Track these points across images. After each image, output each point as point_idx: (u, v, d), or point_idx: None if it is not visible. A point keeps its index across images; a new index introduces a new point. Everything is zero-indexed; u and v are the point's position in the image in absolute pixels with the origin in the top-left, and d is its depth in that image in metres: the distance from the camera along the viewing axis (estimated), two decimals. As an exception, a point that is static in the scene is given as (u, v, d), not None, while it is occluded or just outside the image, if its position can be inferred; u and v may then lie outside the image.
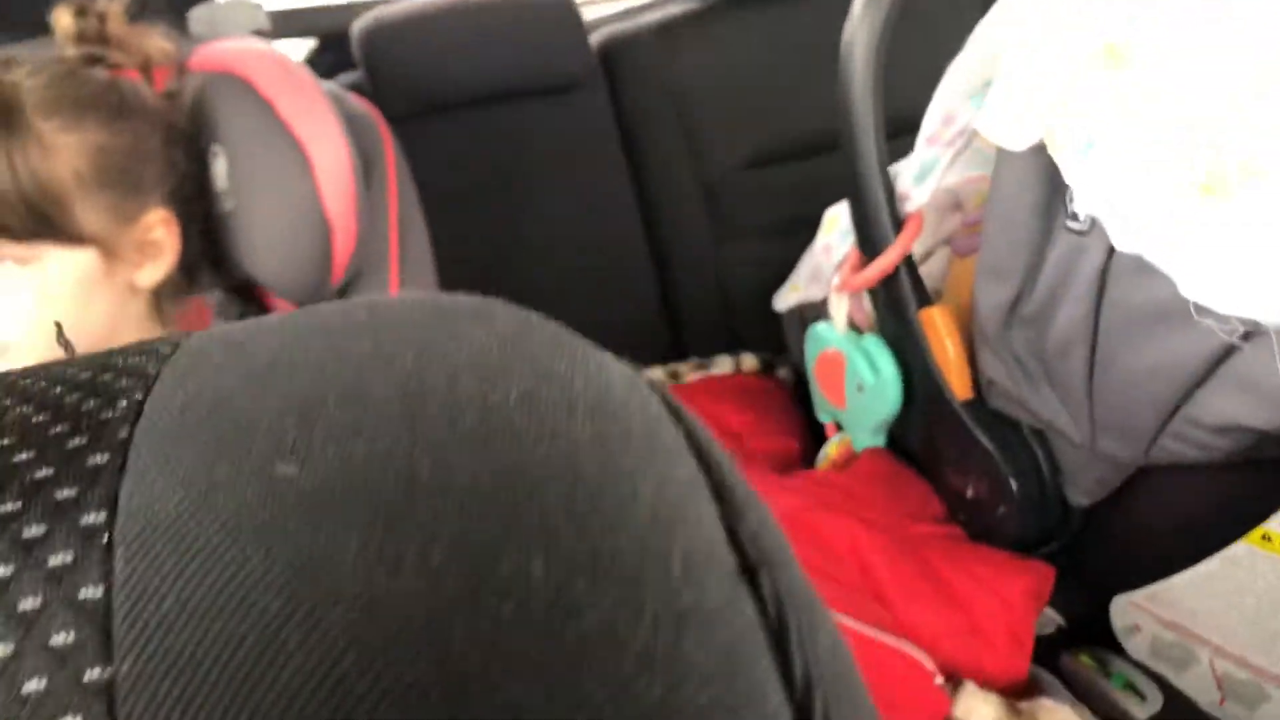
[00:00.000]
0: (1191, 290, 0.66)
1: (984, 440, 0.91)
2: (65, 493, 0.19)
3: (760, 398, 1.31)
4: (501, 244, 1.40)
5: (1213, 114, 0.66)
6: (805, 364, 1.15)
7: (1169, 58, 0.68)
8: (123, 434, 0.21)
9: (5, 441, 0.21)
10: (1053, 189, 0.79)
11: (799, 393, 1.34)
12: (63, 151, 0.76)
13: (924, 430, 1.00)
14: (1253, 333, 0.67)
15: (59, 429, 0.21)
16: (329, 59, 1.42)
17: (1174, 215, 0.67)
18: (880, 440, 1.07)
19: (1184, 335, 0.70)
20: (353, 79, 1.35)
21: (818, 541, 0.90)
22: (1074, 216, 0.76)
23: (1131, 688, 0.92)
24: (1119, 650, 0.95)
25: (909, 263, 0.95)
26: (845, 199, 1.05)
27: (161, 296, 0.89)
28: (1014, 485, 0.90)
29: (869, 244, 0.96)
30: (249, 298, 0.98)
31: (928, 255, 1.07)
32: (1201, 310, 0.66)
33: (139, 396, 0.22)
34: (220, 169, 0.89)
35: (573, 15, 1.36)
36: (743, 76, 1.43)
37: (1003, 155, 0.81)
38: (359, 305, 0.24)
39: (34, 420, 0.22)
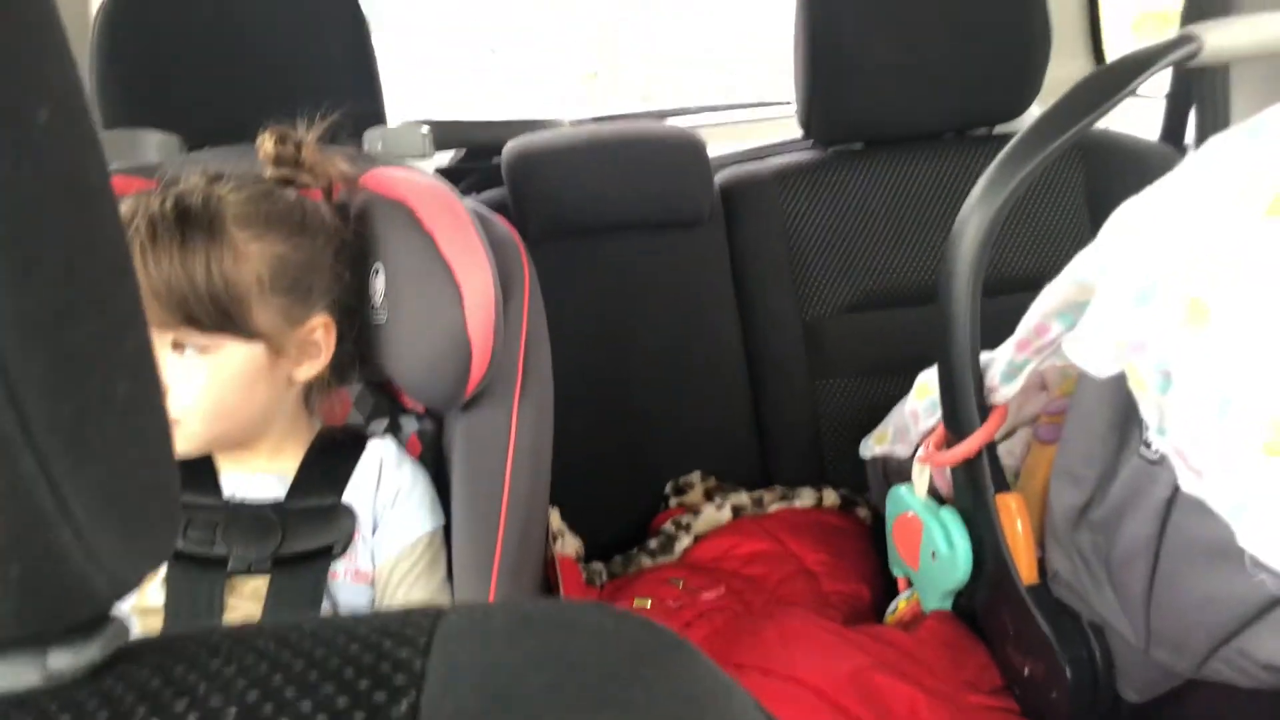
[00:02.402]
0: (1247, 542, 0.71)
1: (1044, 625, 0.97)
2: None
3: (838, 538, 1.37)
4: (614, 360, 1.51)
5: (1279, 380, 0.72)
6: (885, 517, 1.21)
7: (1247, 322, 0.75)
8: None
9: (305, 706, 0.30)
10: (1130, 411, 0.85)
11: (875, 534, 1.41)
12: (251, 259, 0.87)
13: (989, 604, 1.05)
14: (1302, 589, 0.72)
15: (357, 717, 0.30)
16: (477, 171, 1.55)
17: (1236, 468, 0.73)
18: (948, 604, 1.12)
19: (1239, 576, 0.75)
20: (497, 197, 1.47)
21: (879, 703, 0.96)
22: (1147, 444, 0.82)
23: None
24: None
25: (990, 449, 1.01)
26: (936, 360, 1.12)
27: (312, 389, 1.00)
28: (1068, 672, 0.95)
29: (954, 425, 1.03)
30: (384, 392, 1.08)
31: (1010, 434, 1.13)
32: (1256, 561, 0.72)
33: (413, 697, 0.31)
34: (379, 285, 1.00)
35: (702, 158, 1.47)
36: (851, 225, 1.51)
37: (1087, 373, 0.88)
38: (577, 636, 0.32)
39: (335, 704, 0.31)
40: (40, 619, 0.29)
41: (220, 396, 0.89)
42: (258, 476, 0.96)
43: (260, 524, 0.93)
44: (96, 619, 0.32)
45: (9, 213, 0.25)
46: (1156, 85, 1.65)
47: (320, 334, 0.95)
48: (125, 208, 0.86)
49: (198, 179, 0.90)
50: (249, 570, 0.92)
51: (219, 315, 0.86)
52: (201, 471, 0.95)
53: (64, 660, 0.31)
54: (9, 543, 0.27)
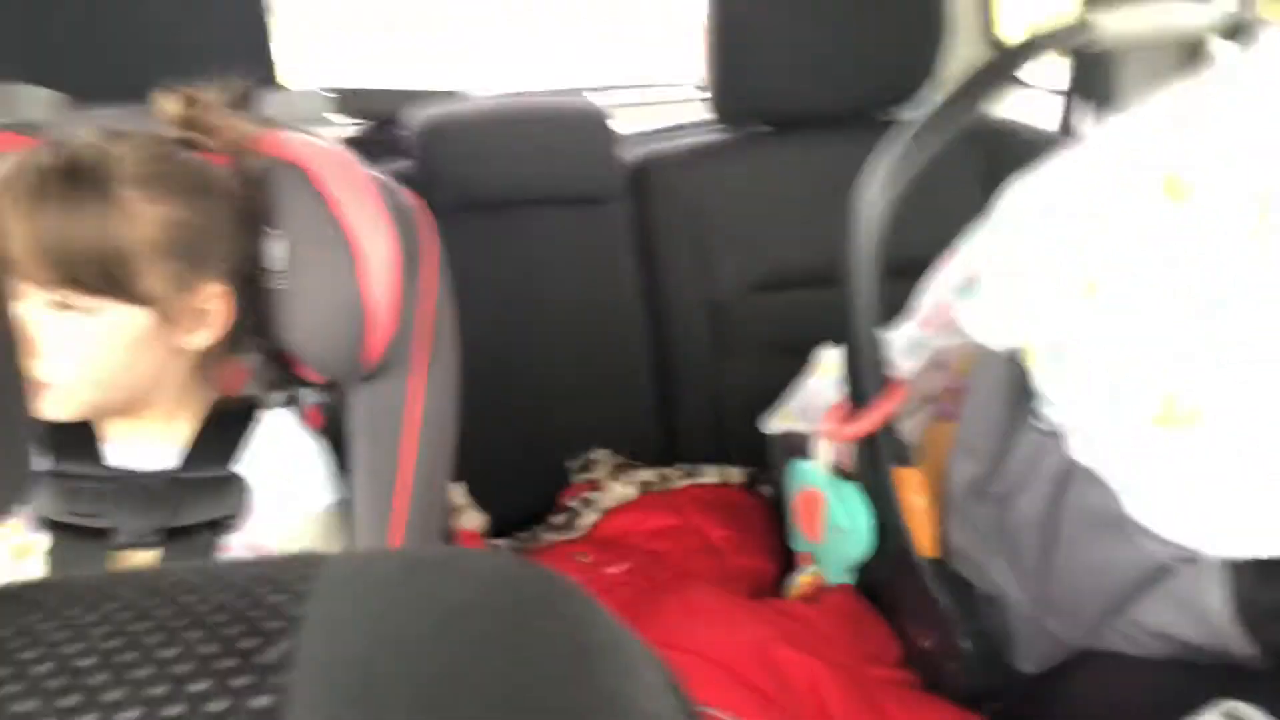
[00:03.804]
0: (1136, 511, 0.74)
1: (942, 598, 0.99)
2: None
3: (742, 514, 1.38)
4: (518, 337, 1.49)
5: (1172, 354, 0.75)
6: (786, 494, 1.22)
7: (1138, 296, 0.77)
8: (277, 679, 0.28)
9: (178, 670, 0.28)
10: (1025, 385, 0.87)
11: (778, 512, 1.42)
12: (142, 220, 0.83)
13: (890, 578, 1.07)
14: (1191, 558, 0.75)
15: (224, 664, 0.28)
16: (381, 142, 1.51)
17: (1128, 439, 0.75)
18: (850, 578, 1.14)
19: (1129, 546, 0.78)
20: (404, 168, 1.44)
21: (780, 676, 0.96)
22: (1041, 417, 0.84)
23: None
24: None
25: (890, 424, 1.03)
26: (840, 341, 1.13)
27: (206, 358, 0.96)
28: (966, 644, 0.97)
29: (857, 399, 1.04)
30: (282, 363, 1.05)
31: (911, 410, 1.15)
32: (1145, 530, 0.74)
33: (286, 644, 0.29)
34: (277, 251, 0.97)
35: (609, 136, 1.46)
36: (758, 206, 1.52)
37: (985, 349, 0.89)
38: (467, 581, 0.31)
39: (199, 650, 0.29)
40: None
41: (103, 362, 0.85)
42: (147, 446, 0.92)
43: (149, 495, 0.89)
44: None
45: None
46: (1056, 78, 1.70)
47: (215, 303, 0.91)
48: (12, 162, 0.82)
49: (93, 135, 0.86)
50: (137, 544, 0.88)
51: (104, 278, 0.82)
52: (83, 439, 0.91)
53: (-98, 610, 0.29)
54: None
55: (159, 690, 0.27)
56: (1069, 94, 1.67)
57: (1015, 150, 1.54)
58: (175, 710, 0.27)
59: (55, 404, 0.85)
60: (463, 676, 0.28)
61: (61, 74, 1.13)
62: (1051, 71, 1.66)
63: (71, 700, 0.27)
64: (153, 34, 1.21)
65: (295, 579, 0.32)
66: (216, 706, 0.27)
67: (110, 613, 0.30)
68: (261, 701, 0.27)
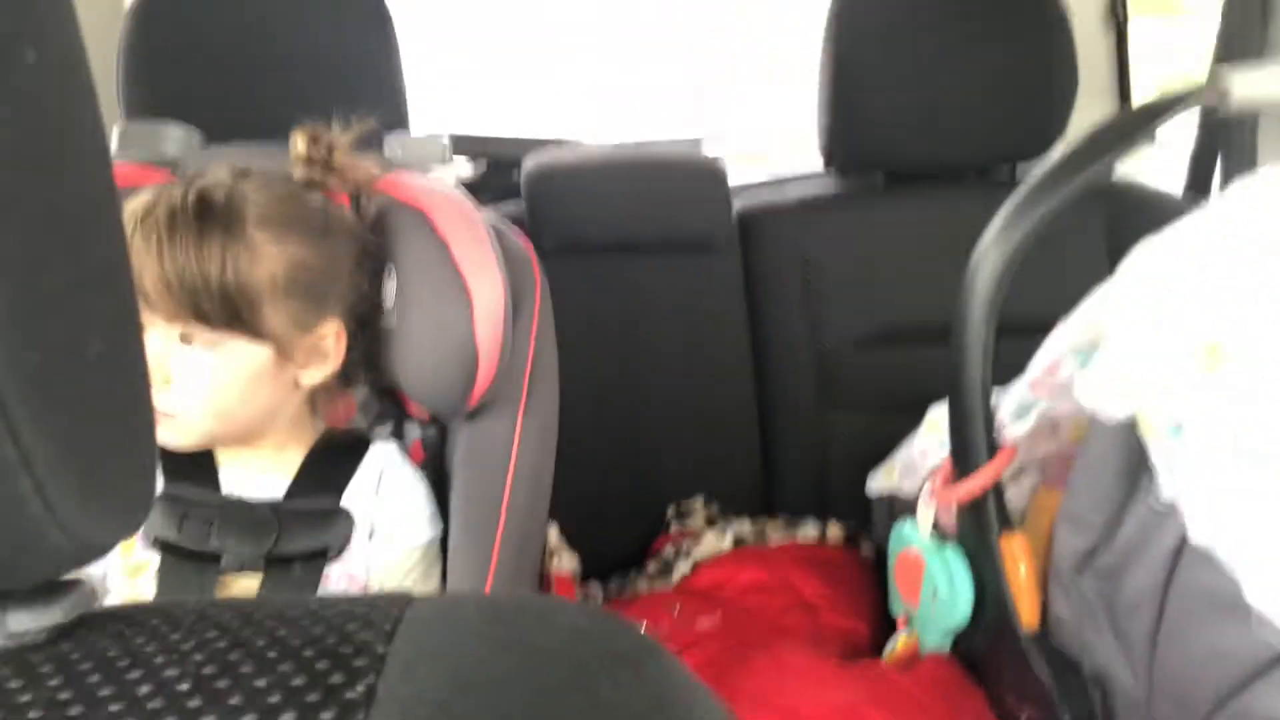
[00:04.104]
0: (1255, 598, 0.70)
1: (1044, 675, 0.95)
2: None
3: (840, 572, 1.36)
4: (622, 379, 1.51)
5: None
6: (887, 554, 1.19)
7: (1266, 369, 0.73)
8: (360, 715, 0.29)
9: (269, 700, 0.29)
10: (1140, 458, 0.84)
11: (878, 571, 1.39)
12: (267, 260, 0.87)
13: (989, 648, 1.03)
14: (1309, 647, 0.70)
15: (311, 697, 0.29)
16: (497, 182, 1.56)
17: (1249, 520, 0.71)
18: (947, 645, 1.10)
19: (1244, 632, 0.73)
20: (515, 210, 1.48)
21: (869, 741, 0.94)
22: (1157, 493, 0.81)
23: None
24: None
25: (997, 488, 1.00)
26: (947, 399, 1.10)
27: (318, 392, 0.99)
28: (1067, 723, 0.93)
29: (962, 462, 1.01)
30: (389, 397, 1.08)
31: (1018, 474, 1.11)
32: (1262, 619, 0.70)
33: (371, 680, 0.30)
34: (390, 289, 1.00)
35: (721, 185, 1.48)
36: (870, 260, 1.51)
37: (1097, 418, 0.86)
38: (550, 629, 0.32)
39: (290, 682, 0.30)
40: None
41: (223, 393, 0.88)
42: (258, 475, 0.96)
43: (256, 522, 0.92)
44: (61, 583, 0.32)
45: None
46: (1184, 136, 1.65)
47: (330, 340, 0.94)
48: (147, 197, 0.86)
49: (224, 174, 0.90)
50: (241, 568, 0.91)
51: (228, 313, 0.85)
52: (201, 466, 0.95)
53: (23, 622, 0.30)
54: None
55: (249, 718, 0.28)
56: (1197, 154, 1.62)
57: (1141, 211, 1.50)
58: None
59: (176, 433, 0.89)
60: None
61: (204, 113, 1.20)
62: (1180, 130, 1.61)
63: (169, 722, 0.28)
64: (290, 74, 1.27)
65: (384, 618, 0.32)
66: None
67: (209, 640, 0.31)
68: None
